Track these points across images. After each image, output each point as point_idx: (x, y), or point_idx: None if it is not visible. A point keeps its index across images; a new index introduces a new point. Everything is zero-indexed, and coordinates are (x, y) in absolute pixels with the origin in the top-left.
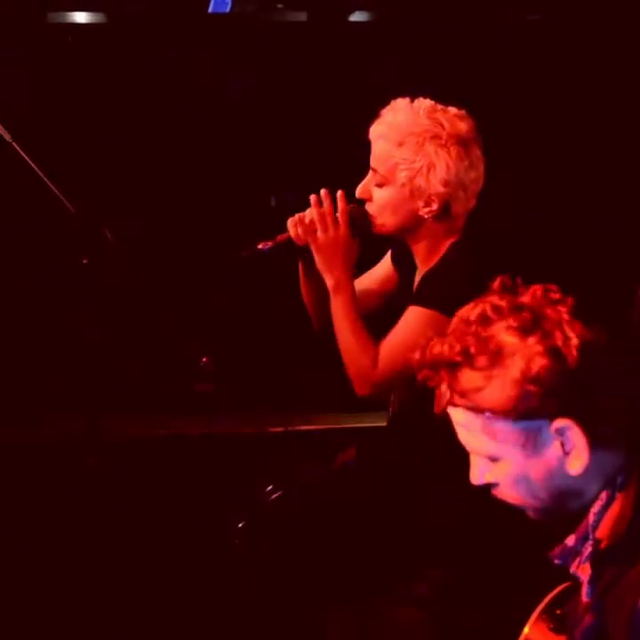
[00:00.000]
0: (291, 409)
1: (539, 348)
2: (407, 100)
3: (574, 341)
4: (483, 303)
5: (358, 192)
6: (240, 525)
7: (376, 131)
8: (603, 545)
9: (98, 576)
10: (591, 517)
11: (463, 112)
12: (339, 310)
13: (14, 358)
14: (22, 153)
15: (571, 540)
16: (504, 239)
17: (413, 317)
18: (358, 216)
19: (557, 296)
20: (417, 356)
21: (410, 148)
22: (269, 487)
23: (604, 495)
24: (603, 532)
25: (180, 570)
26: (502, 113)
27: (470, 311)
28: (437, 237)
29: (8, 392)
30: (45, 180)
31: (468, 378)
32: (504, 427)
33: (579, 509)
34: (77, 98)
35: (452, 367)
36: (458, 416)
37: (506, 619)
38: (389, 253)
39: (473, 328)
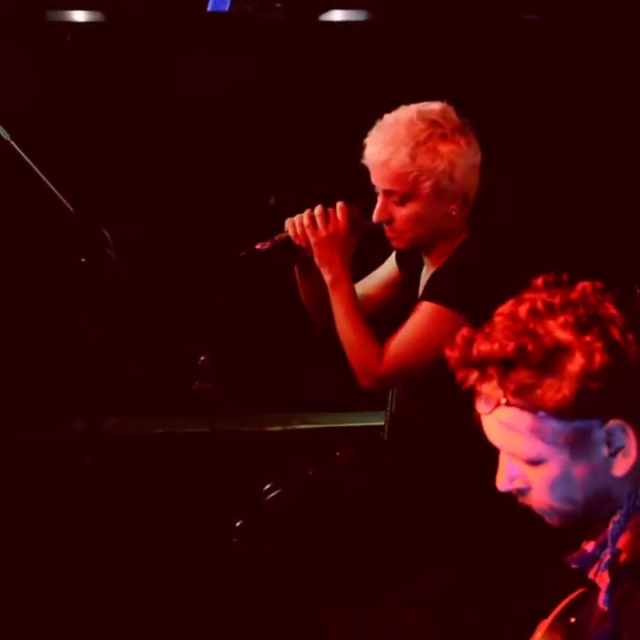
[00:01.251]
0: (290, 408)
1: (598, 344)
2: (391, 115)
3: (631, 337)
4: (530, 300)
5: (377, 217)
6: (239, 524)
7: (376, 157)
8: (623, 557)
9: (97, 576)
10: (611, 526)
11: (444, 103)
12: (338, 304)
13: (14, 358)
14: (21, 152)
15: (590, 547)
16: (508, 238)
17: (424, 313)
18: (356, 214)
19: (605, 292)
20: (455, 353)
21: (424, 156)
22: (268, 486)
23: (625, 503)
24: (623, 542)
25: (179, 569)
26: (500, 112)
27: (517, 308)
28: (452, 233)
29: (7, 391)
30: (44, 179)
31: (523, 376)
32: (555, 426)
33: (607, 515)
34: (77, 97)
35: (506, 365)
36: (505, 416)
37: (506, 619)
38: (394, 255)
39: (525, 325)
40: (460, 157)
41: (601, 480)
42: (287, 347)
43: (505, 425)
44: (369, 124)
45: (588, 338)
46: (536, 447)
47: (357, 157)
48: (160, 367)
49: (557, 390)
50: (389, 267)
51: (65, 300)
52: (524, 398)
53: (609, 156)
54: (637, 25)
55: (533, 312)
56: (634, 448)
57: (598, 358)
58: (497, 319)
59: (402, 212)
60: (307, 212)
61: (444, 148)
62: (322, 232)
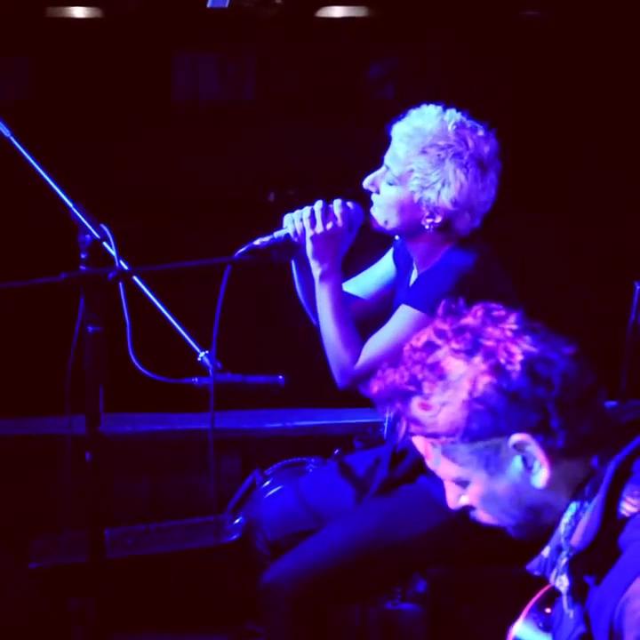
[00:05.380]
0: (289, 405)
1: (483, 366)
2: (439, 108)
3: (518, 357)
4: (428, 330)
5: (367, 182)
6: (237, 522)
7: (401, 130)
8: (578, 556)
9: (94, 576)
10: (562, 528)
11: (490, 134)
12: (324, 298)
13: (14, 355)
14: (21, 148)
15: (546, 551)
16: (501, 242)
17: (399, 316)
18: (353, 211)
19: (500, 314)
20: (374, 389)
21: (430, 159)
22: (266, 482)
23: (573, 505)
24: (575, 540)
25: (178, 569)
26: (500, 111)
27: (418, 339)
28: (436, 243)
29: (8, 389)
30: (44, 175)
31: (420, 405)
32: (462, 449)
33: (554, 521)
34: (77, 92)
35: (405, 396)
36: (417, 444)
37: (504, 618)
38: (390, 252)
39: (419, 355)
40: (457, 183)
41: (530, 494)
42: (286, 343)
43: (422, 452)
44: (367, 121)
45: (475, 361)
46: (453, 470)
47: (356, 154)
48: (160, 364)
49: (453, 416)
50: (385, 263)
51: (65, 298)
52: (424, 426)
53: (610, 153)
54: (638, 23)
55: (427, 342)
56: (544, 459)
57: (482, 381)
58: (404, 351)
59: (385, 190)
60: (307, 207)
61: (450, 165)
62: (320, 227)
